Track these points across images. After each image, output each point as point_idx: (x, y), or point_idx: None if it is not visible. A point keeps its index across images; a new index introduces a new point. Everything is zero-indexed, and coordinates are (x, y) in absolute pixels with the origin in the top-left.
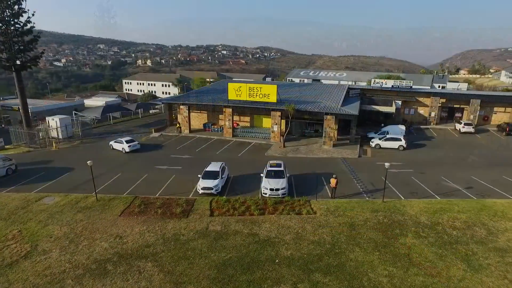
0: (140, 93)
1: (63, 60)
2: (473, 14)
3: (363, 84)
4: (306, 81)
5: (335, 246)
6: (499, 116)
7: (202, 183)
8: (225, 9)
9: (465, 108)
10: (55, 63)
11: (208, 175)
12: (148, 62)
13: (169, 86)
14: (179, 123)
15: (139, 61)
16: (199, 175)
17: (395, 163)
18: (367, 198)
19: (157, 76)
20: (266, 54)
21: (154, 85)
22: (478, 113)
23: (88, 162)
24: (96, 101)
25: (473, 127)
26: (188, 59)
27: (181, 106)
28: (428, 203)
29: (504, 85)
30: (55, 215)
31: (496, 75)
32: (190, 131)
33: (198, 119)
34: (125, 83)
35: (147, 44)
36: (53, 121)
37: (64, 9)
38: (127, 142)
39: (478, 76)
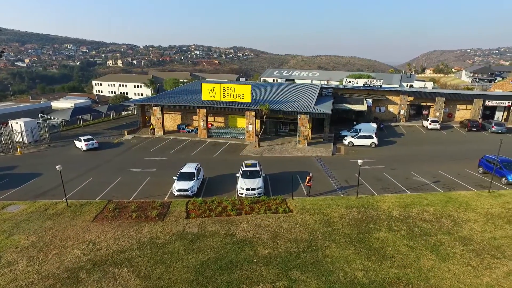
0: (111, 95)
1: (27, 60)
2: (438, 16)
3: (335, 83)
4: (279, 80)
5: (311, 243)
6: (462, 113)
7: (178, 185)
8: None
9: (431, 106)
10: (18, 63)
11: (183, 177)
12: (119, 63)
13: (141, 87)
14: (152, 125)
15: (110, 62)
16: (174, 177)
17: (367, 160)
18: (341, 195)
19: (128, 77)
20: (239, 54)
21: (126, 86)
22: (443, 110)
23: (57, 166)
24: (64, 103)
25: (439, 124)
26: (160, 59)
27: (154, 107)
28: (399, 197)
29: (465, 83)
30: (21, 224)
31: (458, 74)
32: (164, 132)
33: (172, 120)
34: (95, 84)
35: (118, 44)
36: (17, 125)
37: (27, 6)
38: (84, 140)
39: (442, 75)
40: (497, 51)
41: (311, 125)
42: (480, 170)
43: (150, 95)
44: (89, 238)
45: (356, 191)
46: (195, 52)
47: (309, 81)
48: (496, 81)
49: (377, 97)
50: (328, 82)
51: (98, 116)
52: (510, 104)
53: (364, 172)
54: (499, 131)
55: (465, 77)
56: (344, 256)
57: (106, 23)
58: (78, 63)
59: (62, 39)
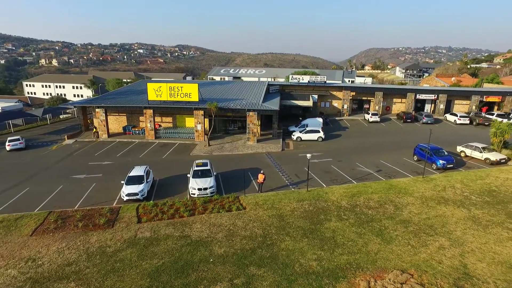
0: (46, 97)
1: None
2: (374, 16)
3: (281, 80)
4: (227, 78)
5: (266, 238)
6: (398, 106)
7: (126, 189)
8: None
9: (371, 100)
10: None
11: (132, 180)
12: (54, 62)
13: (81, 88)
14: (95, 128)
15: (43, 61)
16: (122, 181)
17: (315, 153)
18: (292, 189)
19: (66, 77)
20: (185, 52)
21: (64, 87)
22: (381, 104)
23: None
24: None
25: (379, 117)
26: (101, 58)
27: (97, 109)
28: (346, 188)
29: (399, 79)
30: None
31: (393, 70)
32: (109, 135)
33: (117, 122)
34: (27, 85)
35: (51, 42)
36: None
37: None
38: (9, 141)
39: (379, 71)
40: (423, 50)
41: (259, 122)
42: (415, 158)
43: (91, 96)
44: (28, 255)
45: (306, 185)
46: (139, 50)
47: (256, 79)
48: (424, 76)
49: (322, 93)
50: (274, 79)
51: (33, 120)
52: (435, 97)
53: (313, 165)
54: (429, 121)
55: (398, 73)
56: (298, 248)
57: (36, 18)
58: (2, 61)
59: None
